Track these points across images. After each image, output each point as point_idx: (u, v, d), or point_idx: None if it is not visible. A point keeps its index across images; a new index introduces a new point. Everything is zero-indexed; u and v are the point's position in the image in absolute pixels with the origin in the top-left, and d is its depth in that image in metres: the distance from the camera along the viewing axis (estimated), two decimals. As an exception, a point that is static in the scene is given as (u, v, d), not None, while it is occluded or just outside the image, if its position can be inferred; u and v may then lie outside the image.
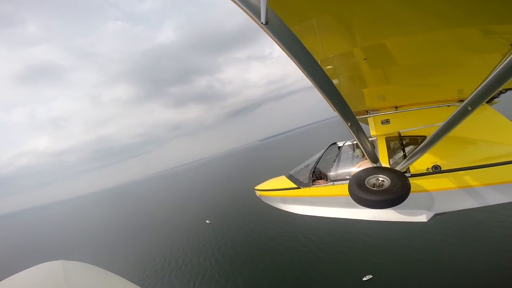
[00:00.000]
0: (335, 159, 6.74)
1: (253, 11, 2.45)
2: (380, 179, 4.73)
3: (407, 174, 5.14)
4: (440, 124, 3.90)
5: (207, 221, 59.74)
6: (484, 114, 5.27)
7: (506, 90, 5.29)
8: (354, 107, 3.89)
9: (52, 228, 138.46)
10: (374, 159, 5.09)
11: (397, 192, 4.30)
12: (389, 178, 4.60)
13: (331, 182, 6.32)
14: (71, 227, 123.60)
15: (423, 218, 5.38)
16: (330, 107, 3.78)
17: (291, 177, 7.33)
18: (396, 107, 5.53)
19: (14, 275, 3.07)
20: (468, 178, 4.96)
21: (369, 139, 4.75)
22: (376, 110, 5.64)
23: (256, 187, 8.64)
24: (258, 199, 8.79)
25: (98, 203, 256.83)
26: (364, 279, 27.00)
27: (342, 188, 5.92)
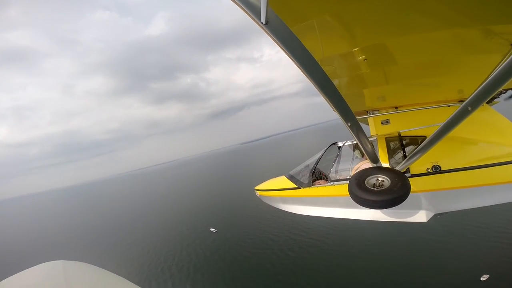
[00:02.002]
0: (335, 159, 6.75)
1: (253, 11, 2.44)
2: (380, 179, 4.73)
3: (407, 174, 5.14)
4: (440, 124, 3.90)
5: (211, 229, 50.10)
6: (484, 114, 5.27)
7: (506, 90, 5.29)
8: (354, 107, 3.89)
9: (5, 226, 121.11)
10: (374, 159, 5.09)
11: (397, 192, 4.31)
12: (389, 178, 4.60)
13: (331, 182, 6.33)
14: (28, 227, 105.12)
15: (423, 218, 5.39)
16: (330, 107, 3.78)
17: (291, 177, 7.33)
18: (396, 107, 5.53)
19: (14, 275, 3.08)
20: (468, 178, 4.96)
21: (369, 139, 4.75)
22: (376, 110, 5.64)
23: (256, 187, 8.65)
24: (263, 201, 8.77)
25: (62, 200, 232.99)
26: (482, 279, 24.02)
27: (342, 188, 5.92)
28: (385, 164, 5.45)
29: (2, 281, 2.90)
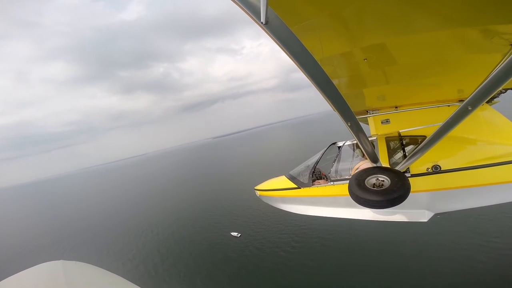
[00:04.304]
0: (335, 159, 6.76)
1: (253, 10, 2.44)
2: (380, 179, 4.73)
3: (407, 174, 5.14)
4: (440, 124, 3.90)
5: (233, 234, 41.54)
6: (484, 114, 5.28)
7: (506, 90, 5.30)
8: (354, 107, 3.89)
9: None
10: (374, 159, 5.10)
11: (397, 192, 4.30)
12: (389, 178, 4.60)
13: (331, 182, 6.34)
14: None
15: (423, 218, 5.41)
16: (330, 106, 3.79)
17: (291, 177, 7.35)
18: (396, 107, 5.54)
19: (14, 275, 3.08)
20: (468, 178, 4.97)
21: (369, 138, 4.76)
22: (376, 110, 5.65)
23: (256, 187, 8.67)
24: (263, 200, 8.74)
25: (15, 199, 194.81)
26: None
27: (342, 188, 5.93)
28: (385, 164, 5.46)
29: (2, 281, 2.90)
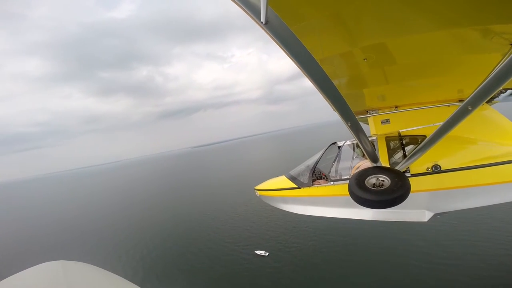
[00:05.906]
0: (335, 159, 6.77)
1: (253, 10, 2.44)
2: (380, 179, 4.72)
3: (407, 174, 5.15)
4: (440, 123, 3.90)
5: (259, 253, 34.81)
6: (484, 114, 5.29)
7: (506, 89, 5.30)
8: (354, 106, 3.89)
9: None
10: (374, 158, 5.09)
11: (397, 192, 4.30)
12: (389, 178, 4.59)
13: (331, 182, 6.34)
14: None
15: (423, 218, 5.42)
16: (330, 107, 3.78)
17: (291, 177, 7.35)
18: (396, 107, 5.54)
19: (14, 274, 3.09)
20: (468, 178, 4.97)
21: (369, 138, 4.76)
22: (376, 109, 5.66)
23: (256, 187, 8.68)
24: (263, 200, 8.74)
25: None
26: None
27: (342, 188, 5.93)
28: (385, 163, 5.46)
29: (2, 281, 2.90)
